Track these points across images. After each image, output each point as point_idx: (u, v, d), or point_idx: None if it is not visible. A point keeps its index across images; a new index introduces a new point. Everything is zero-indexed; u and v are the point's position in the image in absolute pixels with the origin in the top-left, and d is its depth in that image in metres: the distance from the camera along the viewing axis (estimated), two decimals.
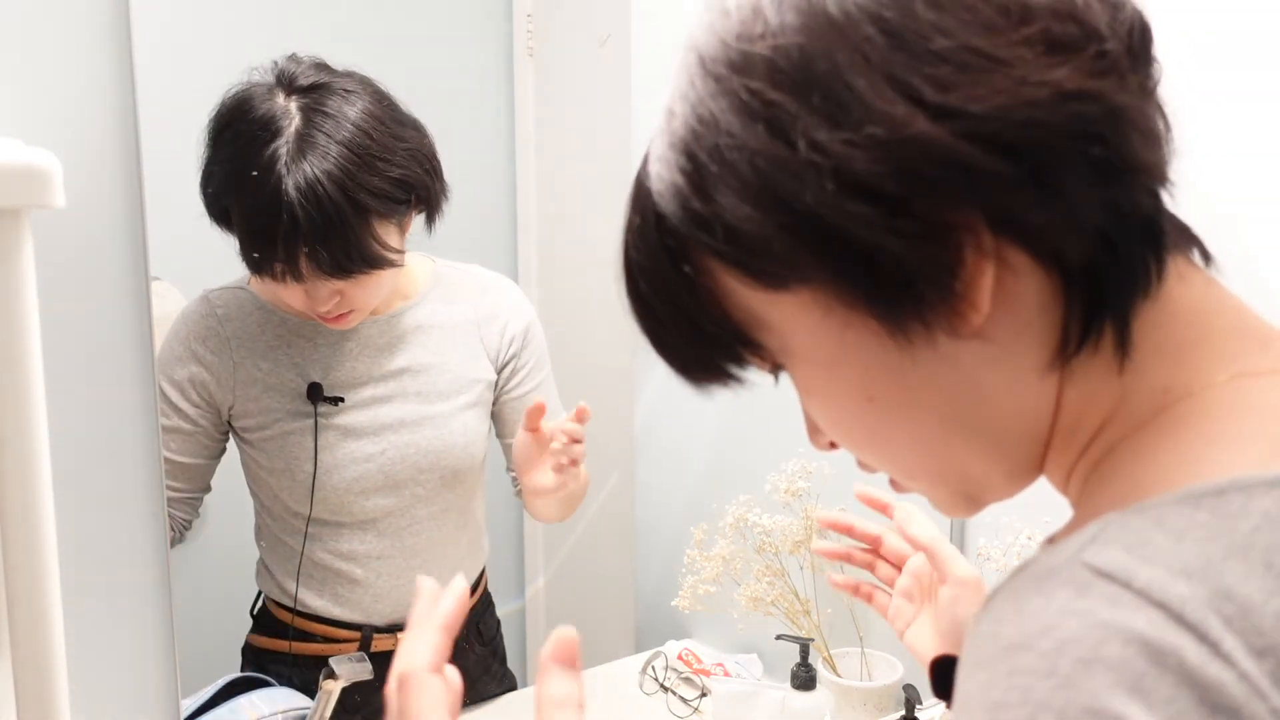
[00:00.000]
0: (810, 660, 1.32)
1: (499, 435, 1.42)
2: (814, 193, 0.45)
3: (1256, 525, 0.41)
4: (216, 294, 1.27)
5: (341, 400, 1.26)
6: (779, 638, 1.35)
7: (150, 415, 0.95)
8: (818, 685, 1.31)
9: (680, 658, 1.55)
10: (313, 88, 1.16)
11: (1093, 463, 0.50)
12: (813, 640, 1.35)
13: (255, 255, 1.13)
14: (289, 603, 1.31)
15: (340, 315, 1.22)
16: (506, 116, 1.82)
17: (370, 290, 1.21)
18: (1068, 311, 0.47)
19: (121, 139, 0.91)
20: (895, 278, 0.46)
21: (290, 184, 1.09)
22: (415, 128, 1.23)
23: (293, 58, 1.18)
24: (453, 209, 1.31)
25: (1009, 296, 0.47)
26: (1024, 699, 0.39)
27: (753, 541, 1.40)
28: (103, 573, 0.94)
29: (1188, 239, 0.51)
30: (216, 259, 1.42)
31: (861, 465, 0.58)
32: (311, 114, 1.13)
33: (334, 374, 1.27)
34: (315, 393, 1.25)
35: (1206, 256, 0.51)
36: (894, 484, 0.58)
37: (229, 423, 1.27)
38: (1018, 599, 0.42)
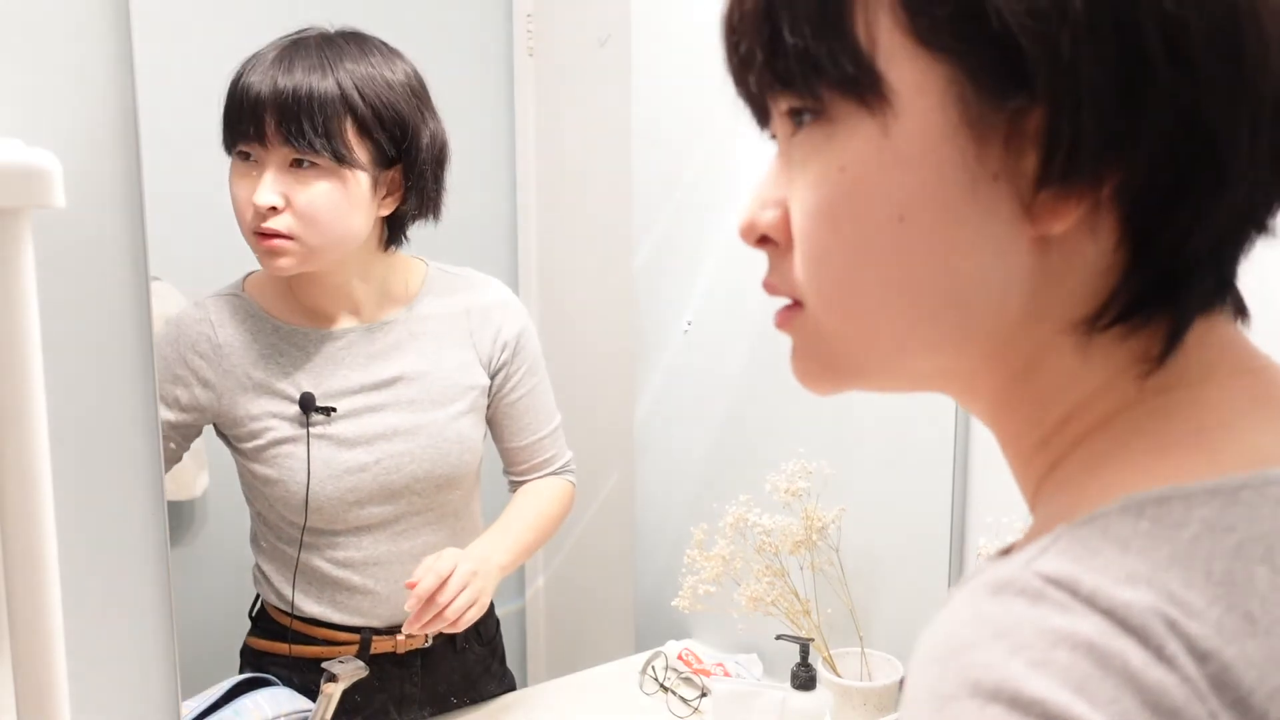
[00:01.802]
0: (810, 660, 1.32)
1: (495, 439, 1.42)
2: None
3: (1196, 534, 0.42)
4: (210, 300, 1.27)
5: (333, 410, 1.26)
6: (779, 638, 1.35)
7: (150, 415, 0.95)
8: (818, 685, 1.31)
9: (680, 658, 1.55)
10: (345, 31, 1.24)
11: (1052, 461, 0.50)
12: (813, 640, 1.35)
13: (234, 113, 1.18)
14: (287, 608, 1.31)
15: (279, 236, 1.19)
16: (506, 116, 1.82)
17: (313, 203, 1.18)
18: (1120, 286, 0.45)
19: (121, 139, 0.91)
20: (1064, 122, 0.42)
21: (295, 65, 1.17)
22: (435, 116, 1.27)
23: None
24: (453, 209, 1.30)
25: (1086, 237, 0.45)
26: (974, 692, 0.40)
27: (753, 541, 1.40)
28: (103, 573, 0.94)
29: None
30: (216, 259, 1.42)
31: (768, 281, 0.54)
32: (342, 37, 1.22)
33: (326, 383, 1.27)
34: (307, 403, 1.25)
35: (1241, 312, 0.50)
36: (768, 286, 0.55)
37: (220, 432, 1.26)
38: (973, 604, 0.43)
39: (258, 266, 1.30)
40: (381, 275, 1.31)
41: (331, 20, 1.24)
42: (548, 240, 1.87)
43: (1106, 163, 0.43)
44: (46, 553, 0.74)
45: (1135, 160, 0.43)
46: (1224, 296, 0.48)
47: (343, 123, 1.18)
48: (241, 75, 1.19)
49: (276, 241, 1.19)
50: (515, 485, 1.44)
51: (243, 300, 1.27)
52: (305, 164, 1.18)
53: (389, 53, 1.23)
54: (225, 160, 1.39)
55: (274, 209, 1.18)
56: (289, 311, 1.27)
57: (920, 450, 1.43)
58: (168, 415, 1.23)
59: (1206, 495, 0.43)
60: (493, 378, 1.38)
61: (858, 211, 0.46)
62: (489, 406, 1.39)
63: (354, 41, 1.22)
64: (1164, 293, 0.46)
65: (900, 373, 0.51)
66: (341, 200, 1.20)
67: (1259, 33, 0.43)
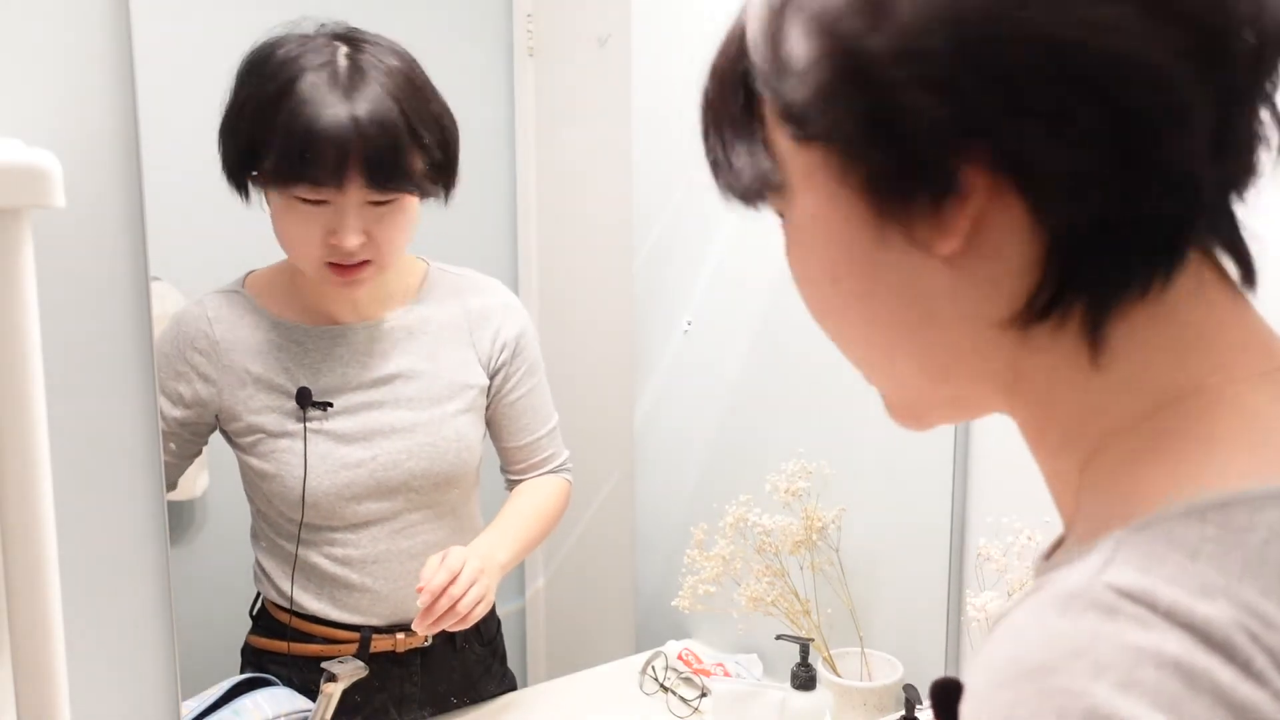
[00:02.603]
0: (810, 660, 1.32)
1: (493, 439, 1.42)
2: (869, 40, 0.45)
3: (1265, 539, 0.41)
4: (209, 297, 1.27)
5: (330, 405, 1.26)
6: (779, 638, 1.35)
7: (150, 415, 0.95)
8: (818, 685, 1.31)
9: (680, 658, 1.55)
10: (350, 34, 1.19)
11: (1082, 459, 0.50)
12: (813, 640, 1.35)
13: (303, 158, 1.12)
14: (287, 604, 1.31)
15: (357, 266, 1.19)
16: (506, 116, 1.82)
17: (392, 235, 1.20)
18: (1043, 278, 0.47)
19: (121, 139, 0.91)
20: (895, 165, 0.46)
21: (350, 95, 1.13)
22: (438, 96, 1.25)
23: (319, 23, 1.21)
24: (453, 209, 1.30)
25: (991, 241, 0.47)
26: (1060, 718, 0.38)
27: (753, 541, 1.40)
28: (103, 573, 0.94)
29: (1232, 251, 0.49)
30: (216, 259, 1.42)
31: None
32: (357, 47, 1.17)
33: (324, 379, 1.27)
34: (304, 398, 1.25)
35: (1249, 279, 0.50)
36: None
37: (220, 427, 1.26)
38: (1041, 621, 0.41)
39: (258, 265, 1.31)
40: (384, 276, 1.31)
41: (328, 18, 1.24)
42: (548, 240, 1.87)
43: (943, 184, 0.46)
44: (46, 553, 0.74)
45: (1016, 153, 0.45)
46: (1153, 279, 0.46)
47: (414, 157, 1.17)
48: (292, 108, 1.12)
49: (354, 273, 1.20)
50: (512, 484, 1.44)
51: (242, 297, 1.27)
52: (380, 203, 1.18)
53: (396, 50, 1.21)
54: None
55: (357, 247, 1.18)
56: (289, 309, 1.28)
57: (920, 450, 1.43)
58: (173, 411, 1.23)
59: (1272, 500, 0.42)
60: (492, 378, 1.38)
61: (810, 280, 0.54)
62: (488, 407, 1.39)
63: (370, 47, 1.19)
64: (1075, 285, 0.47)
65: (943, 410, 0.55)
66: (413, 221, 1.23)
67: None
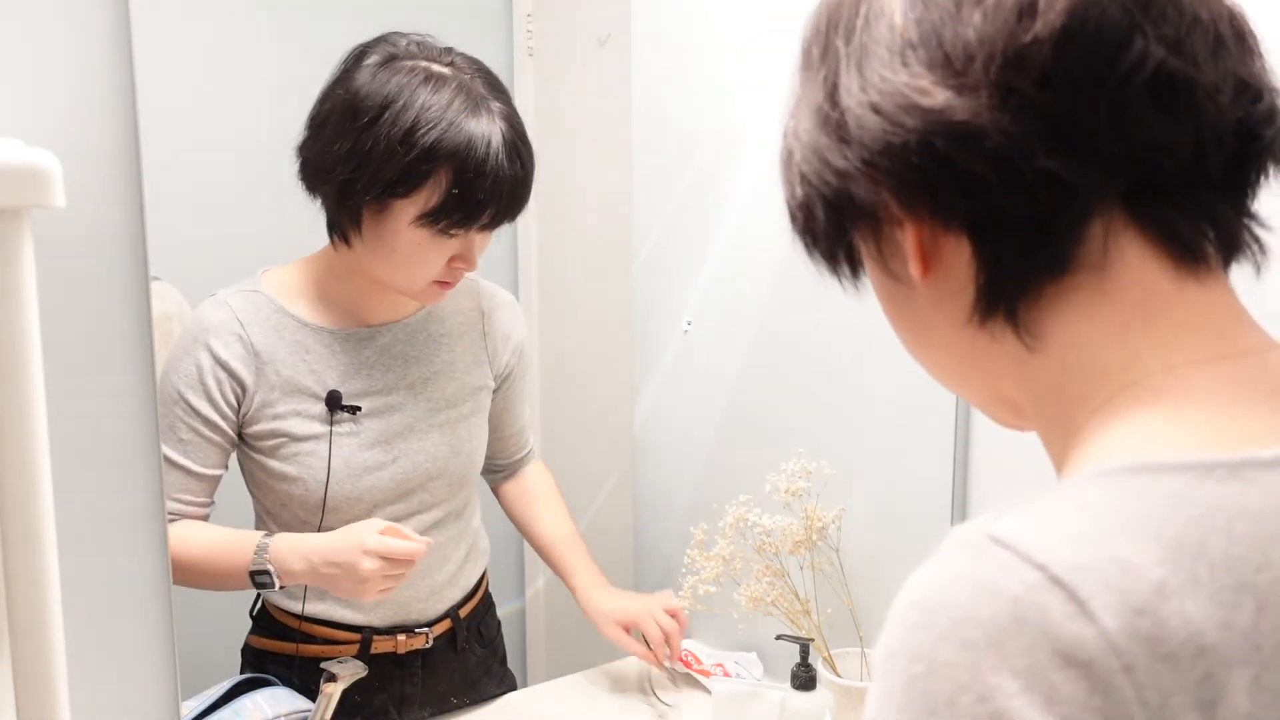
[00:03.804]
0: (810, 660, 1.32)
1: (489, 431, 1.43)
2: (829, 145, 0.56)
3: (1156, 503, 0.45)
4: (232, 297, 1.25)
5: (359, 409, 1.26)
6: (779, 638, 1.35)
7: (150, 415, 0.95)
8: (818, 685, 1.31)
9: (680, 658, 1.55)
10: (447, 53, 1.21)
11: (1061, 440, 0.55)
12: (813, 640, 1.35)
13: (479, 205, 1.16)
14: (291, 606, 1.31)
15: (459, 279, 1.25)
16: None
17: (486, 250, 1.26)
18: (976, 280, 0.54)
19: (121, 139, 0.90)
20: (848, 224, 0.57)
21: (503, 139, 1.16)
22: None
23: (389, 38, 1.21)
24: None
25: (944, 260, 0.54)
26: (903, 648, 0.45)
27: (753, 541, 1.40)
28: (102, 573, 0.94)
29: (1185, 235, 0.52)
30: (216, 259, 1.42)
31: None
32: (472, 74, 1.19)
33: (350, 382, 1.27)
34: (334, 401, 1.25)
35: (1226, 259, 0.54)
36: None
37: (239, 430, 1.26)
38: (928, 566, 0.47)
39: (257, 265, 1.30)
40: None
41: (332, 19, 1.23)
42: (548, 240, 1.87)
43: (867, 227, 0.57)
44: (46, 553, 0.74)
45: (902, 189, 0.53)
46: (1047, 271, 0.52)
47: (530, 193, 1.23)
48: (468, 158, 1.14)
49: (455, 284, 1.25)
50: (495, 475, 1.51)
51: (264, 298, 1.26)
52: None
53: (494, 75, 1.24)
54: (225, 160, 1.40)
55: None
56: (311, 311, 1.27)
57: (920, 450, 1.43)
58: (218, 421, 1.22)
59: (1177, 469, 0.46)
60: (499, 379, 1.39)
61: (888, 317, 0.63)
62: (490, 406, 1.40)
63: (479, 74, 1.21)
64: (987, 281, 0.53)
65: (987, 402, 0.61)
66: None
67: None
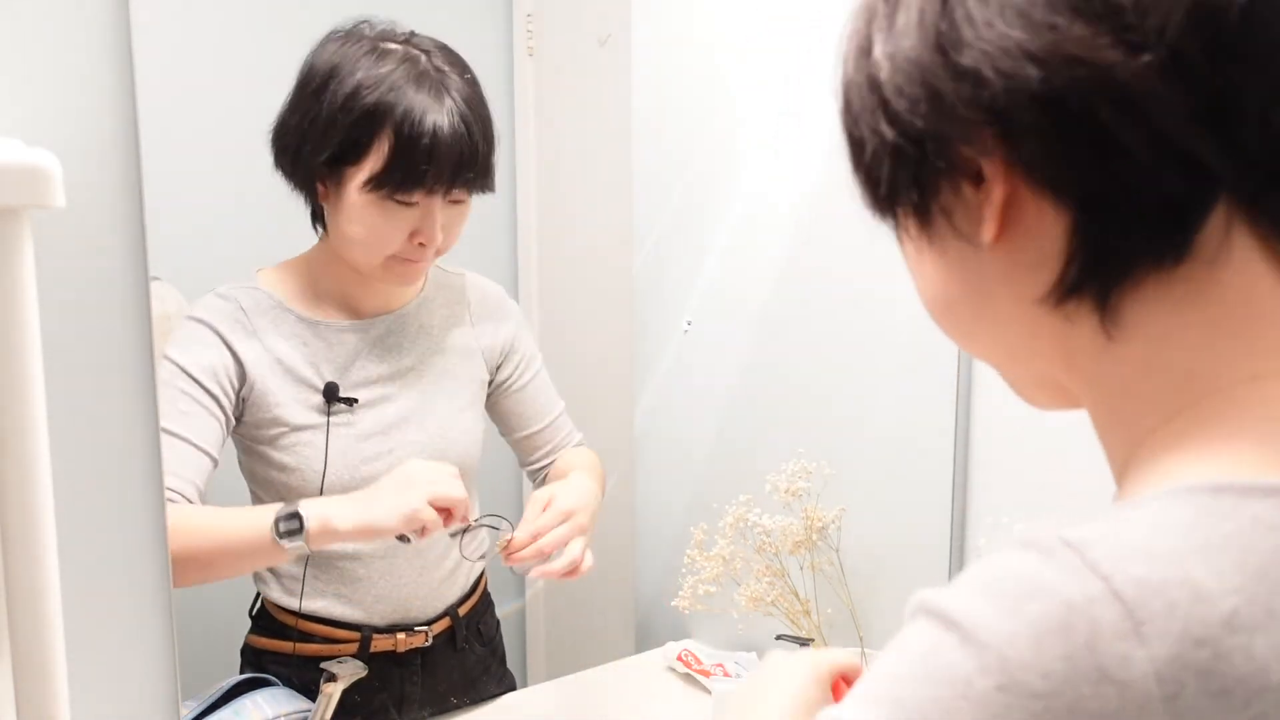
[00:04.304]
0: None
1: (506, 432, 1.44)
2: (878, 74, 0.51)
3: (1240, 527, 0.42)
4: (233, 290, 1.27)
5: (355, 401, 1.27)
6: (779, 638, 1.35)
7: (150, 415, 0.95)
8: None
9: (680, 658, 1.55)
10: (411, 37, 1.23)
11: (1126, 439, 0.51)
12: (813, 640, 1.35)
13: (420, 169, 1.16)
14: (289, 603, 1.31)
15: (422, 259, 1.24)
16: (506, 116, 1.82)
17: (458, 231, 1.26)
18: (1067, 257, 0.49)
19: (121, 139, 0.90)
20: (925, 171, 0.51)
21: (449, 104, 1.17)
22: None
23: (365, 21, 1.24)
24: None
25: (1025, 226, 0.49)
26: (956, 610, 0.43)
27: (753, 541, 1.40)
28: (102, 573, 0.94)
29: None
30: (216, 259, 1.42)
31: None
32: (429, 53, 1.21)
33: (347, 374, 1.28)
34: (331, 392, 1.25)
35: None
36: None
37: (240, 419, 1.26)
38: (1000, 554, 0.45)
39: (257, 265, 1.31)
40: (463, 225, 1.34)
41: (343, 18, 1.24)
42: (548, 240, 1.87)
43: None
44: (46, 553, 0.74)
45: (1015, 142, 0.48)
46: (1160, 256, 0.48)
47: (490, 159, 1.23)
48: (404, 116, 1.15)
49: (420, 265, 1.25)
50: (538, 474, 1.46)
51: (264, 294, 1.27)
52: (460, 201, 1.23)
53: (457, 56, 1.25)
54: (225, 160, 1.40)
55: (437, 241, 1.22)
56: (307, 305, 1.28)
57: (920, 450, 1.43)
58: (219, 394, 1.22)
59: (1263, 493, 0.43)
60: (499, 370, 1.40)
61: (922, 280, 0.58)
62: (492, 399, 1.40)
63: (437, 52, 1.22)
64: (1086, 261, 0.48)
65: (1027, 381, 0.58)
66: (467, 220, 1.27)
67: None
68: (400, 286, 1.30)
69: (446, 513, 1.17)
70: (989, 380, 1.33)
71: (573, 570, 1.24)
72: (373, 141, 1.16)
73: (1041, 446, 1.30)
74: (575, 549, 1.24)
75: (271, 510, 1.13)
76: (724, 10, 1.60)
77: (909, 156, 0.51)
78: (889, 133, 0.51)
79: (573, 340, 1.86)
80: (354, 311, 1.30)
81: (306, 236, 1.29)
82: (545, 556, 1.23)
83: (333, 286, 1.29)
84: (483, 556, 1.39)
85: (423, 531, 1.16)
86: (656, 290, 1.73)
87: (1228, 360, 0.48)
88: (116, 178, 0.91)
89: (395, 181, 1.16)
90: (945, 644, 0.42)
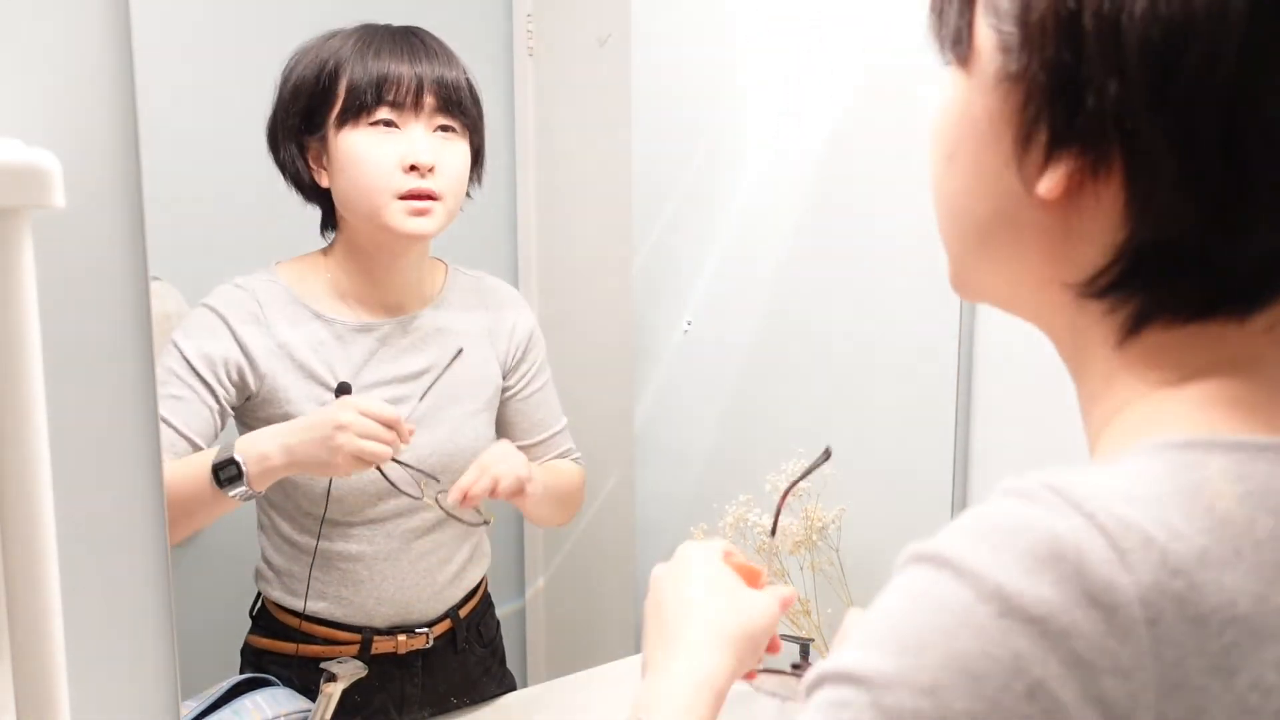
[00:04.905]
0: (810, 660, 1.32)
1: (508, 439, 1.43)
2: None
3: (1207, 476, 0.45)
4: (251, 281, 1.26)
5: None
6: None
7: (150, 415, 0.95)
8: None
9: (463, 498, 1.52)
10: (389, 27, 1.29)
11: (1101, 415, 0.53)
12: (813, 640, 1.35)
13: (381, 86, 1.22)
14: (291, 604, 1.31)
15: (425, 197, 1.24)
16: (506, 116, 1.82)
17: (457, 166, 1.27)
18: (1112, 264, 0.49)
19: (121, 139, 0.90)
20: (1052, 102, 0.49)
21: (415, 45, 1.25)
22: None
23: None
24: None
25: (1085, 209, 0.49)
26: (948, 550, 0.45)
27: (753, 541, 1.40)
28: (103, 573, 0.94)
29: None
30: (216, 259, 1.42)
31: None
32: (393, 30, 1.27)
33: (361, 374, 1.28)
34: (344, 392, 1.25)
35: None
36: None
37: (245, 412, 1.26)
38: (985, 503, 0.47)
39: (258, 265, 1.31)
40: (420, 270, 1.34)
41: (331, 19, 1.24)
42: (548, 240, 1.87)
43: (1093, 142, 0.47)
44: (46, 553, 0.74)
45: (1138, 147, 0.46)
46: (1220, 305, 0.48)
47: (469, 94, 1.29)
48: (363, 53, 1.23)
49: (427, 202, 1.24)
50: None
51: (281, 287, 1.27)
52: (447, 129, 1.26)
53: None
54: (225, 160, 1.40)
55: (430, 169, 1.23)
56: (325, 303, 1.28)
57: (920, 451, 1.43)
58: (215, 385, 1.21)
59: (1230, 447, 0.46)
60: (507, 376, 1.40)
61: (933, 143, 0.56)
62: (502, 404, 1.41)
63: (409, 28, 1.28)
64: (1143, 279, 0.49)
65: (980, 288, 0.58)
66: (468, 164, 1.29)
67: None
68: (420, 231, 1.26)
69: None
70: (990, 381, 1.33)
71: (462, 498, 1.28)
72: (336, 85, 1.21)
73: (1042, 447, 1.30)
74: (466, 479, 1.28)
75: (207, 458, 1.15)
76: (723, 10, 1.60)
77: (1054, 98, 0.48)
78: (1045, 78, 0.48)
79: (572, 340, 1.86)
80: (370, 313, 1.30)
81: (306, 237, 1.29)
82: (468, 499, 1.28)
83: (350, 288, 1.29)
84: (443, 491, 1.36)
85: (373, 456, 1.17)
86: (656, 290, 1.73)
87: (1221, 338, 0.50)
88: (116, 178, 0.91)
89: (362, 101, 1.21)
90: (941, 580, 0.44)
